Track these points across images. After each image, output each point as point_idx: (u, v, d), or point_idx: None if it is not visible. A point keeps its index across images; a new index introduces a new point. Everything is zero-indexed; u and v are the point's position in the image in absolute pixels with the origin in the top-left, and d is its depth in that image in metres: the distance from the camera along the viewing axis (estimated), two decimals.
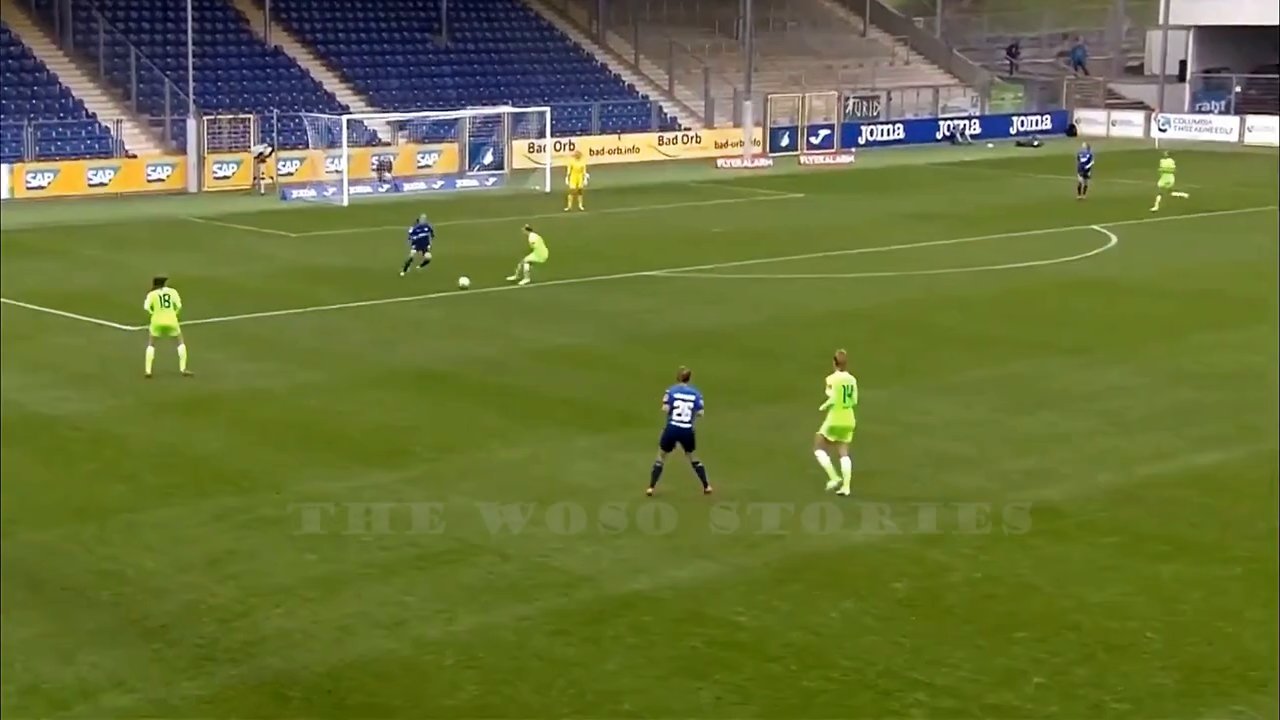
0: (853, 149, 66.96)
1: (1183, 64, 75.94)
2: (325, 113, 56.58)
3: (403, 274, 35.83)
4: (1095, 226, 44.69)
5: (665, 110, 66.56)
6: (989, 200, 51.14)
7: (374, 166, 55.42)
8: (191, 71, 54.42)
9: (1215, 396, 25.80)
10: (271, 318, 32.53)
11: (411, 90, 62.20)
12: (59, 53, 57.75)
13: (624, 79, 68.01)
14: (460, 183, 56.10)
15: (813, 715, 14.56)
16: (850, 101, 70.09)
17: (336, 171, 52.77)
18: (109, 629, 16.38)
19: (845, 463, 20.62)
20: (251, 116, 56.08)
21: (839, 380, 20.62)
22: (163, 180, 53.93)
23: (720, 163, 62.10)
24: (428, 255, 36.04)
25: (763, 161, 63.34)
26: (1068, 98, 76.95)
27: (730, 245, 41.59)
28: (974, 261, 38.76)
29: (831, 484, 20.62)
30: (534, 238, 35.62)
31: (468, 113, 58.47)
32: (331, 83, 61.44)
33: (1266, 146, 68.16)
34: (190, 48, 54.32)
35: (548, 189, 53.12)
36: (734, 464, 21.68)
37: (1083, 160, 50.97)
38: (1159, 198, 47.49)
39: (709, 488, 20.27)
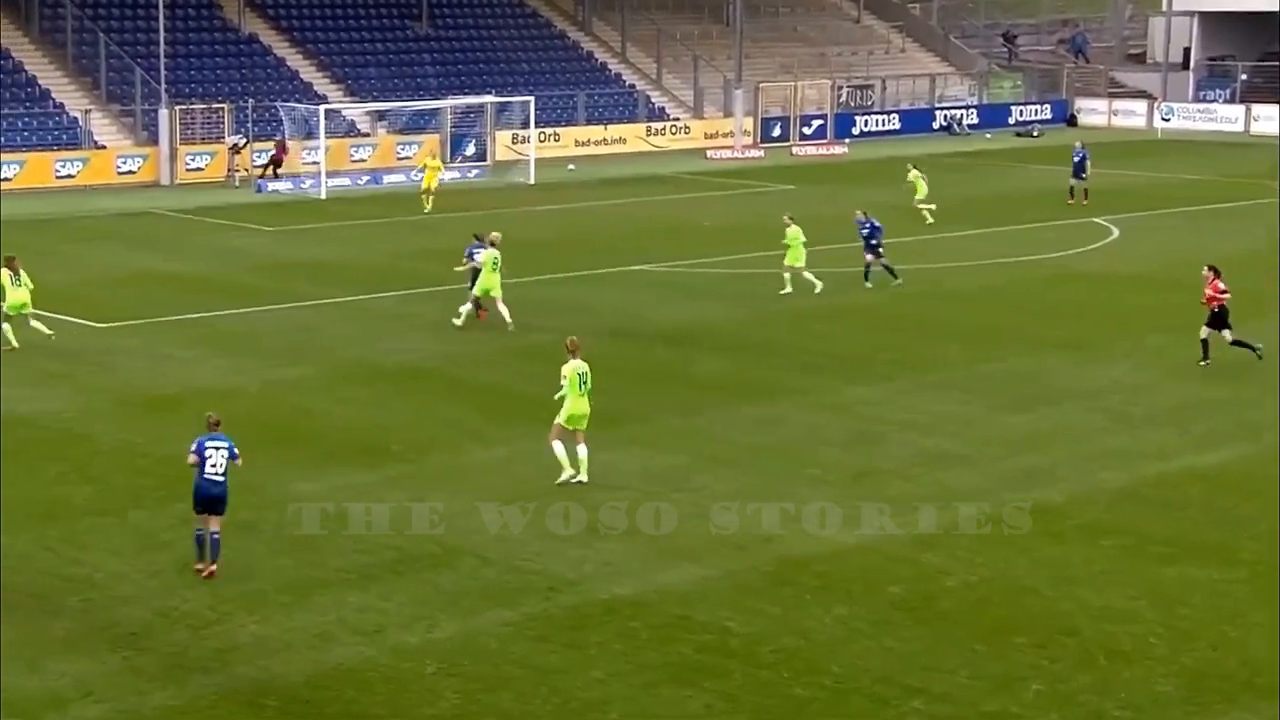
0: (846, 140, 66.41)
1: (1186, 51, 75.11)
2: (302, 102, 55.90)
3: (867, 284, 33.82)
4: (1097, 219, 44.26)
5: (653, 100, 66.04)
6: (987, 192, 50.70)
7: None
8: (163, 60, 53.62)
9: (1218, 392, 25.45)
10: (246, 314, 31.90)
11: (391, 79, 61.58)
12: (25, 40, 56.69)
13: (610, 68, 67.47)
14: (442, 175, 55.43)
15: None
16: (844, 91, 69.55)
17: (314, 163, 52.14)
18: (77, 636, 16.01)
19: (581, 450, 20.37)
20: (226, 106, 55.28)
21: (573, 368, 20.41)
22: (134, 172, 53.15)
23: (710, 154, 61.58)
24: (883, 258, 33.70)
25: (754, 153, 62.84)
26: (1068, 86, 76.34)
27: (721, 239, 41.11)
28: (972, 255, 38.33)
29: (565, 476, 20.32)
30: (793, 230, 33.27)
31: (449, 102, 57.85)
32: (308, 71, 60.77)
33: (1272, 136, 67.39)
34: (162, 35, 53.52)
35: (532, 180, 52.61)
36: (722, 464, 21.25)
37: (1076, 159, 47.25)
38: (926, 213, 42.63)
39: (213, 565, 17.35)
